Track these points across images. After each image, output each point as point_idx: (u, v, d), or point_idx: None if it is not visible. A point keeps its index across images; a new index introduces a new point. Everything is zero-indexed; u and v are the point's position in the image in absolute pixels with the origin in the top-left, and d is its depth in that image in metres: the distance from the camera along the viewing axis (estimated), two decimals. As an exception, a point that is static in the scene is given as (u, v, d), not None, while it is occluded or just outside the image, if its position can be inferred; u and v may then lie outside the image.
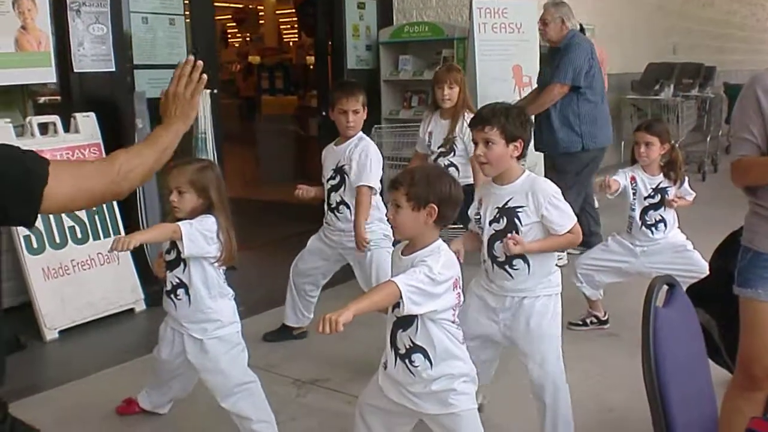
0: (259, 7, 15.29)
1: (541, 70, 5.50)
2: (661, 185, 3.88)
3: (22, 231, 4.05)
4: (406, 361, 2.26)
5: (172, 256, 2.83)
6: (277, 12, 15.01)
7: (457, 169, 4.17)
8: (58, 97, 4.74)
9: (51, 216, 4.17)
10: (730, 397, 2.38)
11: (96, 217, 4.43)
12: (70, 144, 4.39)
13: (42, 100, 4.78)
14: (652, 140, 3.82)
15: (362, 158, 3.66)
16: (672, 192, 3.86)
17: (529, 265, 2.68)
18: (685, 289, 2.13)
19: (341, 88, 3.84)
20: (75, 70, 4.57)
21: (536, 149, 5.22)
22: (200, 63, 1.89)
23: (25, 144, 3.87)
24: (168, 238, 2.74)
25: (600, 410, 3.19)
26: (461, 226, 3.34)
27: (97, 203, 1.82)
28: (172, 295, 2.84)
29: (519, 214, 2.66)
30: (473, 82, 5.40)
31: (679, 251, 3.89)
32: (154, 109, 4.67)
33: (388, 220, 2.71)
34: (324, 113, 4.57)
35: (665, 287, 1.94)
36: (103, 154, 4.43)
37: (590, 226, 5.44)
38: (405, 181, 2.25)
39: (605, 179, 3.84)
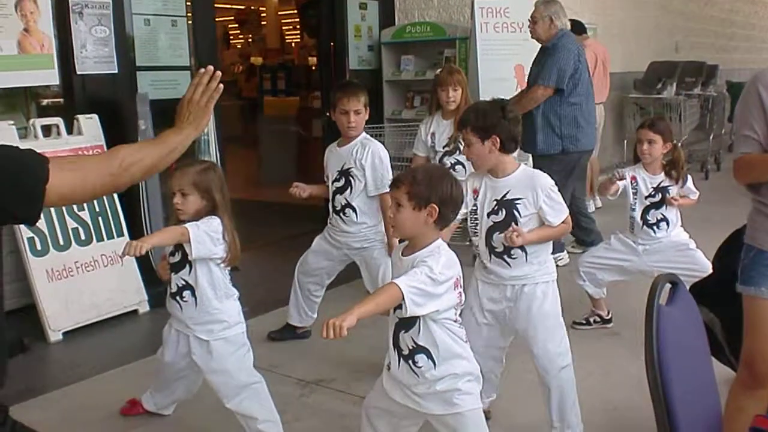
0: (261, 9, 15.32)
1: (531, 69, 5.45)
2: (662, 184, 3.88)
3: (25, 233, 4.06)
4: (410, 362, 2.26)
5: (177, 258, 2.83)
6: (279, 13, 15.03)
7: (464, 166, 4.18)
8: (61, 99, 4.75)
9: (55, 218, 4.19)
10: (734, 395, 2.38)
11: (99, 218, 4.44)
12: (73, 146, 4.40)
13: (45, 102, 4.79)
14: (654, 138, 3.82)
15: (377, 163, 3.66)
16: (673, 191, 3.86)
17: (526, 254, 2.79)
18: (688, 287, 2.13)
19: (343, 88, 3.83)
20: (78, 72, 4.59)
21: (522, 149, 5.19)
22: (218, 73, 1.93)
23: (27, 146, 3.85)
24: (177, 240, 2.74)
25: (604, 409, 3.19)
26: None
27: (97, 196, 1.84)
28: (178, 297, 2.84)
29: (518, 205, 2.76)
30: (475, 82, 5.41)
31: (682, 250, 3.89)
32: (157, 111, 4.73)
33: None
34: (328, 114, 4.58)
35: (668, 285, 1.94)
36: (106, 156, 4.43)
37: (579, 235, 5.43)
38: (407, 180, 2.26)
39: (614, 173, 3.89)
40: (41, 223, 4.00)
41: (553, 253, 2.99)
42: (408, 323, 2.24)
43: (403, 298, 2.09)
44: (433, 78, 4.57)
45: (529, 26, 5.17)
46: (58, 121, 4.41)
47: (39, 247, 4.13)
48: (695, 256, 3.83)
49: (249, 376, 2.87)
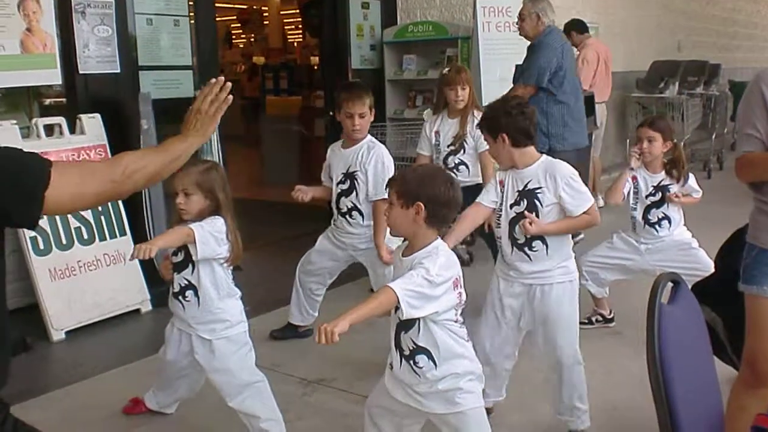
0: (263, 8, 15.33)
1: (516, 67, 5.40)
2: (663, 183, 3.88)
3: (28, 232, 4.06)
4: (411, 362, 2.27)
5: (180, 257, 2.83)
6: (282, 13, 15.05)
7: (467, 167, 4.17)
8: (64, 99, 4.76)
9: (57, 217, 4.19)
10: (736, 394, 2.38)
11: (102, 218, 4.44)
12: (76, 145, 4.41)
13: (47, 101, 4.80)
14: (654, 136, 3.82)
15: (379, 168, 3.63)
16: (674, 189, 3.86)
17: (547, 246, 2.80)
18: (690, 286, 2.13)
19: (348, 90, 3.78)
20: (80, 72, 4.59)
21: None
22: (228, 84, 1.95)
23: (30, 145, 3.90)
24: (183, 242, 2.74)
25: (606, 408, 3.19)
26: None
27: (101, 203, 1.84)
28: (180, 297, 2.84)
29: (539, 195, 2.78)
30: (478, 81, 5.40)
31: (684, 249, 3.89)
32: (159, 110, 4.73)
33: None
34: (331, 113, 4.57)
35: (670, 284, 1.94)
36: (109, 156, 4.44)
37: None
38: (399, 178, 2.29)
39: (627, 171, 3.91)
40: (44, 223, 4.00)
41: None
42: (407, 324, 2.25)
43: (399, 302, 2.10)
44: (439, 77, 4.54)
45: (517, 23, 5.11)
46: (60, 120, 4.41)
47: (42, 247, 4.14)
48: (698, 255, 3.83)
49: (251, 375, 2.87)
